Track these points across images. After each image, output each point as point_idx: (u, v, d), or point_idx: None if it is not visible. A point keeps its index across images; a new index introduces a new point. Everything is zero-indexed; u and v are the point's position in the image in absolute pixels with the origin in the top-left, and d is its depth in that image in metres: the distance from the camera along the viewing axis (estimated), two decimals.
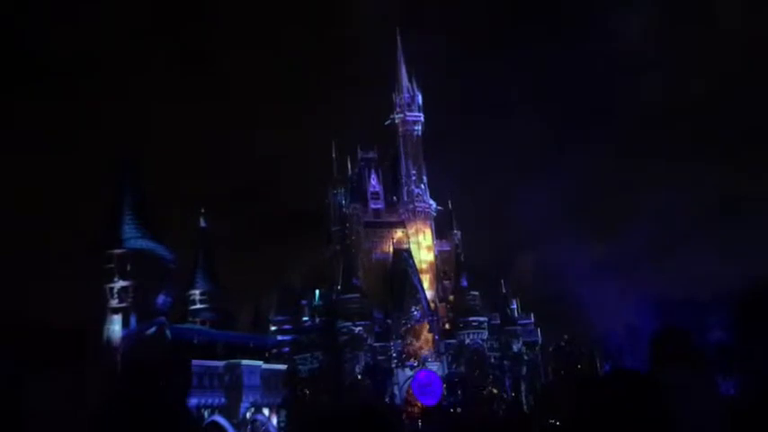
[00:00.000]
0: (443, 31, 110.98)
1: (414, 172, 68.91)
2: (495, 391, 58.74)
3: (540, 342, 65.53)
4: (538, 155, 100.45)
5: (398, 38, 72.63)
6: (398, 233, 66.88)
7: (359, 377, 56.21)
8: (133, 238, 54.00)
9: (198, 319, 58.58)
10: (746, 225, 74.38)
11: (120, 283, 52.12)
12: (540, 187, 74.73)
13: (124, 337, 50.27)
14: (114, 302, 51.76)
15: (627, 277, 60.90)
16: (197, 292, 59.90)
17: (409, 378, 58.32)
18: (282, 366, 55.89)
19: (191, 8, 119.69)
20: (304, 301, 62.79)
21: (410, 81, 71.37)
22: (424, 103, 70.84)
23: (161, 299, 52.84)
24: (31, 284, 58.31)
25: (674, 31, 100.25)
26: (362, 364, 57.46)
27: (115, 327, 51.18)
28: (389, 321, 60.09)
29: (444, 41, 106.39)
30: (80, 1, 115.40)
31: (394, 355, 58.75)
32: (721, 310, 42.66)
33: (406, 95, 70.63)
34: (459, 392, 56.14)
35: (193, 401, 42.58)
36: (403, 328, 59.90)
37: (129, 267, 52.85)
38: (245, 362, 50.90)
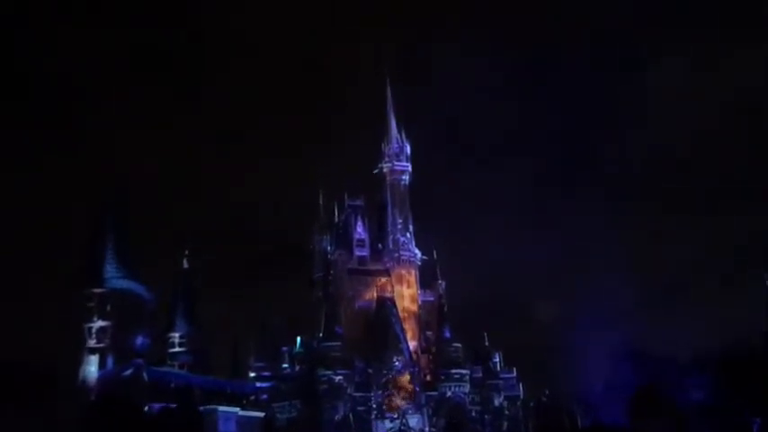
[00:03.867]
0: (434, 82, 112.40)
1: (400, 221, 68.99)
2: None
3: (521, 397, 64.87)
4: (525, 210, 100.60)
5: (388, 87, 73.52)
6: (382, 281, 66.56)
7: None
8: (114, 277, 53.55)
9: (176, 363, 57.79)
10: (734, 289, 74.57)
11: (98, 323, 51.51)
12: (527, 242, 75.04)
13: (100, 378, 49.42)
14: (92, 342, 51.05)
15: (612, 333, 60.71)
16: (176, 334, 59.22)
17: (389, 430, 57.48)
18: (260, 414, 54.94)
19: (181, 48, 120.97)
20: (284, 348, 62.00)
21: (399, 131, 72.04)
22: (412, 153, 71.42)
23: (139, 340, 52.22)
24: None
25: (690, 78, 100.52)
26: (342, 414, 56.55)
27: (91, 367, 50.34)
28: (370, 371, 59.32)
29: (435, 92, 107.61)
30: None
31: (374, 406, 57.90)
32: (702, 371, 42.90)
33: (395, 145, 71.15)
34: None
35: None
36: (384, 379, 59.14)
37: (108, 307, 52.28)
38: (221, 408, 50.06)
